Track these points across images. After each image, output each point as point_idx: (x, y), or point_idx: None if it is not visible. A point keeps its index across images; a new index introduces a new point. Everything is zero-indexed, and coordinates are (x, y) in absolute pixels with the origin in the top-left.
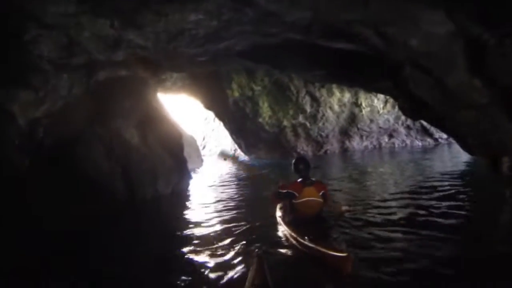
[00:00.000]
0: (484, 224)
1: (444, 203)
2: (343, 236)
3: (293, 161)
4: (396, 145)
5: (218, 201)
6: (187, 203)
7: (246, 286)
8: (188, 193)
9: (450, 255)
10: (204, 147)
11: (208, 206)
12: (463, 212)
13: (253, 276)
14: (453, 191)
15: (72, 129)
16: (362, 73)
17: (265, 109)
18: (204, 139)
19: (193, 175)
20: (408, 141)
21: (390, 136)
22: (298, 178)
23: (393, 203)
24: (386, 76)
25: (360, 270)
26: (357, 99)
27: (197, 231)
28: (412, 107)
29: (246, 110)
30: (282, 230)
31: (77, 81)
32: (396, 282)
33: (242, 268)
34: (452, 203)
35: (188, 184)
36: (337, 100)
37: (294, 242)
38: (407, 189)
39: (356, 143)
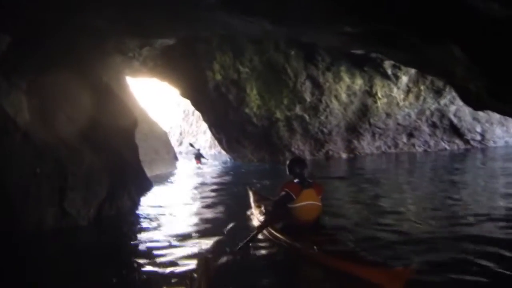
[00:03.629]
0: None
1: None
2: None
3: (288, 162)
4: (417, 147)
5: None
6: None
7: None
8: (131, 218)
9: None
10: (180, 144)
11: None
12: None
13: (199, 280)
14: None
15: None
16: (418, 30)
17: (253, 96)
18: (181, 134)
19: (156, 185)
20: (431, 143)
21: (410, 135)
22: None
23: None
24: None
25: None
26: (371, 86)
27: None
28: (491, 88)
29: (230, 97)
30: (271, 238)
31: None
32: None
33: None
34: None
35: (136, 203)
36: (345, 87)
37: (296, 252)
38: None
39: (366, 143)
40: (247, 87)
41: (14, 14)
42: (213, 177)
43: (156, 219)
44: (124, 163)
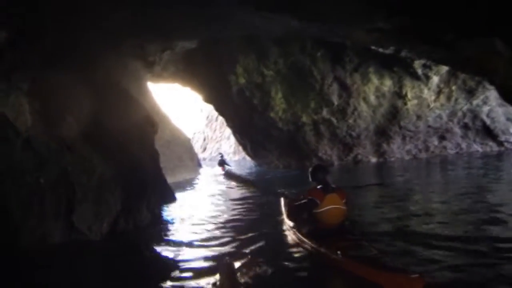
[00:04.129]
0: None
1: None
2: (377, 250)
3: (310, 169)
4: (448, 150)
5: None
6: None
7: None
8: (149, 233)
9: None
10: (204, 150)
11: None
12: None
13: (222, 284)
14: None
15: None
16: (456, 23)
17: (278, 100)
18: (204, 140)
19: (179, 194)
20: (464, 145)
21: (441, 138)
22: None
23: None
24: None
25: None
26: (400, 87)
27: None
28: None
29: (254, 102)
30: (299, 243)
31: None
32: None
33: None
34: None
35: (156, 215)
36: (374, 89)
37: (321, 257)
38: None
39: (396, 147)
40: (272, 91)
41: (14, 6)
42: (237, 185)
43: (177, 232)
44: (142, 172)
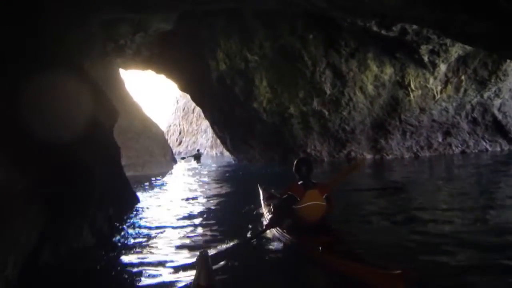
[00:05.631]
0: None
1: None
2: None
3: (295, 161)
4: (454, 147)
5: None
6: None
7: (192, 286)
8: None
9: None
10: (180, 143)
11: None
12: None
13: (198, 276)
14: None
15: None
16: None
17: (262, 89)
18: (180, 133)
19: (145, 193)
20: (471, 142)
21: (446, 134)
22: (298, 181)
23: None
24: None
25: None
26: (403, 76)
27: None
28: None
29: (236, 90)
30: (278, 237)
31: None
32: None
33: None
34: None
35: (111, 227)
36: (372, 77)
37: (301, 252)
38: None
39: (395, 143)
40: (256, 78)
41: None
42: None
43: (140, 237)
44: (85, 176)
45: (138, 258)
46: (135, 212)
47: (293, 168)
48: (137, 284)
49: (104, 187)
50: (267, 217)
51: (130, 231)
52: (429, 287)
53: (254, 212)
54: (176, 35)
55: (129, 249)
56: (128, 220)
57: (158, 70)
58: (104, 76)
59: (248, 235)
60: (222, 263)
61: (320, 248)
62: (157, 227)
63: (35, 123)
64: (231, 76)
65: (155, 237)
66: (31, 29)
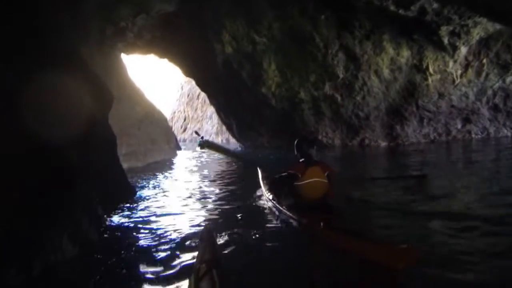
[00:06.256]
0: None
1: None
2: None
3: (296, 140)
4: (473, 134)
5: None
6: None
7: (196, 262)
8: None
9: None
10: (185, 130)
11: None
12: None
13: (203, 251)
14: None
15: None
16: None
17: (271, 73)
18: (185, 120)
19: (143, 183)
20: (491, 129)
21: (466, 120)
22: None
23: None
24: None
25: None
26: (420, 60)
27: None
28: None
29: (242, 75)
30: (279, 215)
31: None
32: None
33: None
34: None
35: (102, 226)
36: (388, 60)
37: (302, 229)
38: None
39: (411, 130)
40: (264, 62)
41: None
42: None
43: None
44: (67, 178)
45: (127, 264)
46: (129, 206)
47: (295, 148)
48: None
49: (93, 185)
50: (267, 195)
51: (120, 232)
52: (432, 265)
53: (255, 195)
54: (179, 17)
55: (117, 254)
56: (121, 219)
57: (161, 54)
58: (102, 62)
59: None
60: (226, 238)
61: (321, 224)
62: (150, 222)
63: (18, 117)
64: (238, 59)
65: (148, 233)
66: (17, 15)
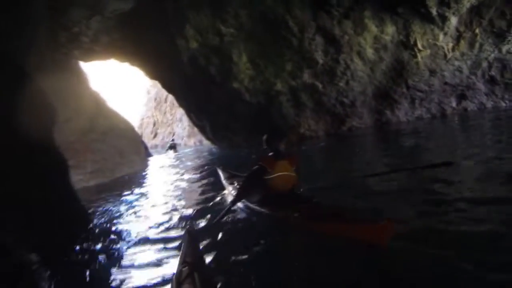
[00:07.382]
0: None
1: None
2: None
3: (265, 136)
4: (469, 112)
5: None
6: None
7: (178, 264)
8: None
9: None
10: (155, 136)
11: None
12: None
13: (185, 252)
14: None
15: None
16: None
17: (242, 65)
18: (154, 125)
19: (107, 204)
20: (489, 104)
21: (461, 97)
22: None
23: None
24: None
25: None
26: (407, 35)
27: None
28: None
29: (211, 71)
30: (250, 212)
31: None
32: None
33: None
34: None
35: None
36: (372, 39)
37: (277, 221)
38: None
39: (403, 113)
40: (234, 54)
41: None
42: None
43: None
44: None
45: (106, 269)
46: (83, 237)
47: (264, 143)
48: None
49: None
50: (232, 194)
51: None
52: (418, 240)
53: (218, 197)
54: (137, 16)
55: (95, 260)
56: (68, 256)
57: (122, 58)
58: (56, 73)
59: (216, 218)
60: (209, 240)
61: (295, 214)
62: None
63: None
64: (204, 54)
65: (127, 238)
66: None
